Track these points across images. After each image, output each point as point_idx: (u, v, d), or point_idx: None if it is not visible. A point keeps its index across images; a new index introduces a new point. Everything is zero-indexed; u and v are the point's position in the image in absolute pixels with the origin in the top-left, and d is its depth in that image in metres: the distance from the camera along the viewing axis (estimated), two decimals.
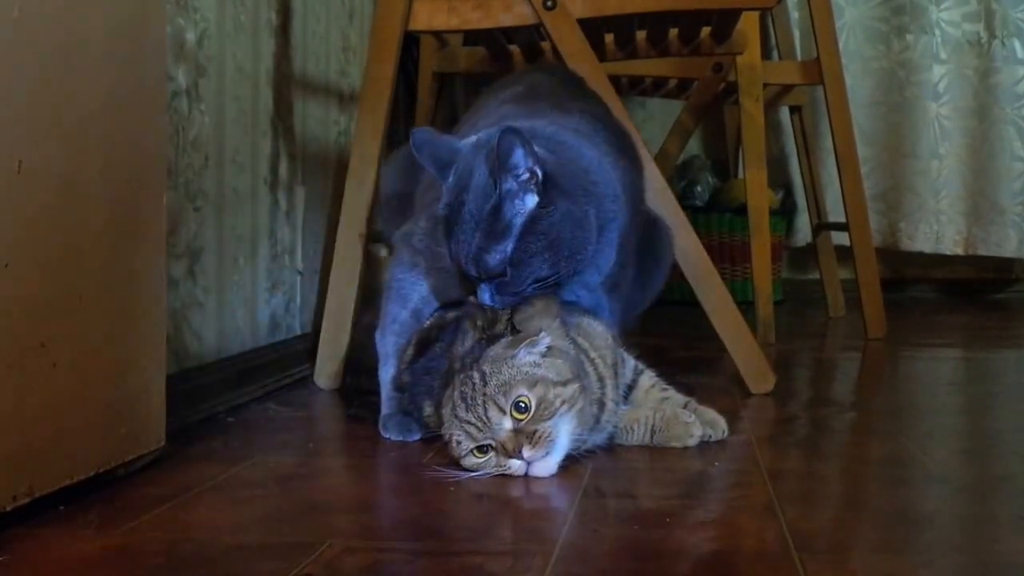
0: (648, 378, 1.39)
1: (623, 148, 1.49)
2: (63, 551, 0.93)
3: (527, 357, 1.18)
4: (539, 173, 1.23)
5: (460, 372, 1.20)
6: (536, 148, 1.23)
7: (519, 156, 1.21)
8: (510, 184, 1.22)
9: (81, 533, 0.97)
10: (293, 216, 1.95)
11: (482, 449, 1.15)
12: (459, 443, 1.16)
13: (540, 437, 1.13)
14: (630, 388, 1.37)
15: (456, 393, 1.18)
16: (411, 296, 1.41)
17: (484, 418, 1.14)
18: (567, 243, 1.25)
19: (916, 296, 3.52)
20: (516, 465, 1.14)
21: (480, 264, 1.23)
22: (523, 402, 1.14)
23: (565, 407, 1.15)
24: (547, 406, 1.14)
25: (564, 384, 1.17)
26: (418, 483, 1.16)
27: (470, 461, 1.15)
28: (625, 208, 1.38)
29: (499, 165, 1.21)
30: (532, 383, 1.15)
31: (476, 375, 1.17)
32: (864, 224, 2.49)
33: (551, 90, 1.54)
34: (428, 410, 1.33)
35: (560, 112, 1.44)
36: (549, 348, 1.20)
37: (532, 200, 1.23)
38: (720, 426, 1.35)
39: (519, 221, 1.22)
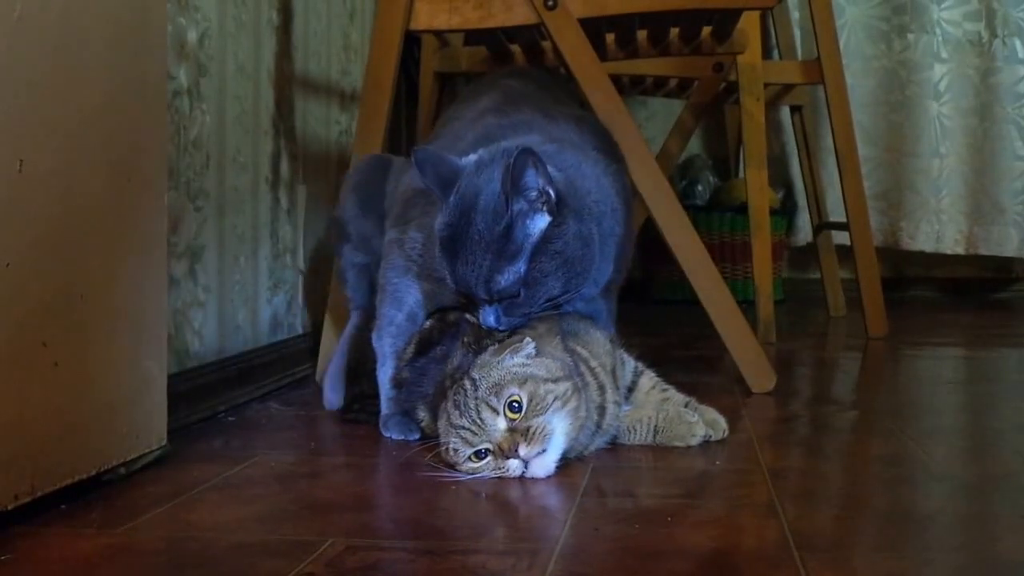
0: (648, 379, 1.39)
1: (610, 149, 1.51)
2: (65, 550, 0.93)
3: (515, 359, 1.18)
4: (551, 193, 1.23)
5: (452, 385, 1.21)
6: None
7: (531, 177, 1.21)
8: (521, 204, 1.22)
9: (83, 532, 0.98)
10: (294, 215, 1.96)
11: (479, 454, 1.15)
12: (456, 450, 1.16)
13: (535, 433, 1.13)
14: (630, 389, 1.37)
15: (449, 403, 1.18)
16: (406, 299, 1.41)
17: (478, 421, 1.14)
18: (578, 261, 1.26)
19: (917, 295, 3.52)
20: (513, 465, 1.14)
21: (491, 286, 1.22)
22: (516, 401, 1.14)
23: (558, 403, 1.15)
24: (539, 402, 1.14)
25: (555, 381, 1.17)
26: (419, 482, 1.16)
27: (467, 466, 1.15)
28: (621, 219, 1.38)
29: (512, 186, 1.21)
30: (522, 381, 1.15)
31: (467, 382, 1.17)
32: (865, 223, 2.49)
33: (530, 96, 1.54)
34: (422, 414, 1.33)
35: (547, 120, 1.44)
36: (537, 351, 1.20)
37: (543, 220, 1.23)
38: (721, 426, 1.35)
39: (531, 241, 1.22)
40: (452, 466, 1.17)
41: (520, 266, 1.22)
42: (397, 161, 1.63)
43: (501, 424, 1.14)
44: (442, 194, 1.26)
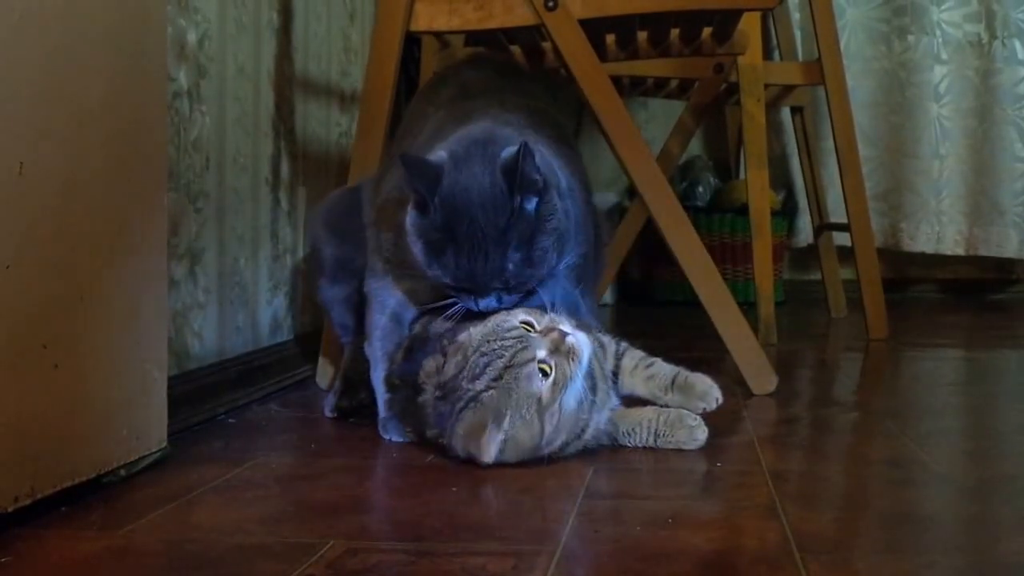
0: (630, 359, 1.38)
1: (566, 138, 1.55)
2: (65, 552, 0.93)
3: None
4: (542, 180, 1.27)
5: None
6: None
7: (531, 170, 1.25)
8: (520, 197, 1.25)
9: (83, 534, 0.98)
10: (294, 217, 1.95)
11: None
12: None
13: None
14: (615, 374, 1.37)
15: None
16: (387, 302, 1.44)
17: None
18: (566, 232, 1.31)
19: (917, 296, 3.52)
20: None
21: (506, 276, 1.26)
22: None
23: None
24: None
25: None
26: (419, 483, 1.16)
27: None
28: (577, 199, 1.41)
29: (519, 182, 1.24)
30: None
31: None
32: (865, 224, 2.49)
33: (486, 86, 1.56)
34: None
35: (501, 109, 1.46)
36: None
37: (534, 202, 1.27)
38: (713, 395, 1.35)
39: (530, 227, 1.26)
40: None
41: (525, 251, 1.26)
42: (364, 183, 1.62)
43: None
44: (429, 195, 1.27)
